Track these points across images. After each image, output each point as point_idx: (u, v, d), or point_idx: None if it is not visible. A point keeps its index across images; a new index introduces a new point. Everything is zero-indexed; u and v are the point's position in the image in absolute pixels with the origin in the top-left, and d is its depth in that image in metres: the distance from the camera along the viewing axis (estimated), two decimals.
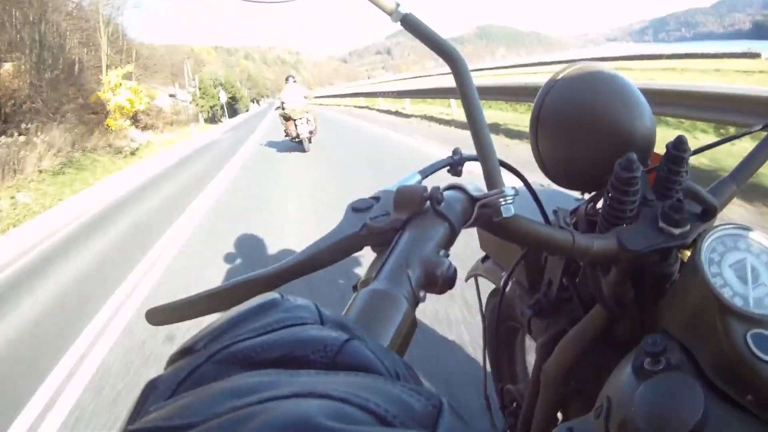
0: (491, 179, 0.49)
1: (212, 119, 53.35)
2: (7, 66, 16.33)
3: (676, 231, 0.52)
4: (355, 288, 0.42)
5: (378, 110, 18.54)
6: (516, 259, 0.77)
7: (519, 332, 1.10)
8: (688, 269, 0.51)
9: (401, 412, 0.22)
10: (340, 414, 0.20)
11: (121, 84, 23.03)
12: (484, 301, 1.11)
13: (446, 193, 0.46)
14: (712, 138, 4.60)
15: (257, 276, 0.45)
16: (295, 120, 9.13)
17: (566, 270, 0.69)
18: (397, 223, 0.44)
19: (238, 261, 4.03)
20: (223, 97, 50.64)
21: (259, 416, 0.19)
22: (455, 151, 0.66)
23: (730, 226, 0.51)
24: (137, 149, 20.64)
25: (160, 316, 0.48)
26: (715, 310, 0.47)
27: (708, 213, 0.54)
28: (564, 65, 0.66)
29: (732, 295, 0.47)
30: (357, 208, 0.48)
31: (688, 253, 0.54)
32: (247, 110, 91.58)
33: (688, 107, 4.39)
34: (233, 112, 76.13)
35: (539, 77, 10.28)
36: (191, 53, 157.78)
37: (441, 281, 0.38)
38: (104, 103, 22.34)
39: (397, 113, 15.08)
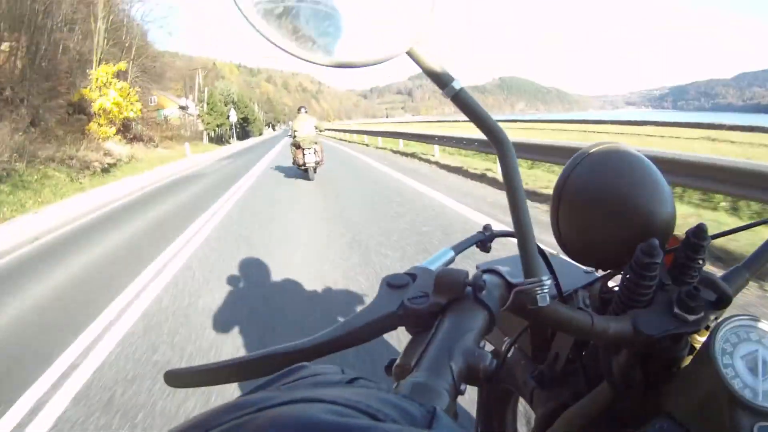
0: (529, 265, 0.50)
1: (219, 139, 49.15)
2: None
3: (691, 318, 0.52)
4: (388, 369, 0.42)
5: (401, 153, 15.67)
6: (520, 327, 0.76)
7: (512, 397, 1.03)
8: (701, 357, 0.52)
9: (397, 414, 0.23)
10: (335, 412, 0.21)
11: (111, 83, 19.34)
12: None
13: (485, 278, 0.47)
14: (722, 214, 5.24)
15: (288, 348, 0.45)
16: (303, 149, 9.68)
17: (576, 345, 0.68)
18: (436, 307, 0.44)
19: None
20: (233, 117, 46.93)
21: (259, 420, 0.21)
22: (486, 227, 0.70)
23: (745, 317, 0.52)
24: (113, 166, 16.76)
25: (179, 379, 0.49)
26: (725, 401, 0.48)
27: (722, 301, 0.54)
28: (592, 143, 0.65)
29: (742, 386, 0.48)
30: (393, 284, 0.48)
31: (698, 337, 0.55)
32: (260, 134, 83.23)
33: (704, 179, 4.47)
34: (244, 134, 65.92)
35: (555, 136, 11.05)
36: (213, 67, 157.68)
37: (483, 375, 0.38)
38: (91, 102, 18.82)
39: (428, 161, 12.32)
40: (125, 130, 22.56)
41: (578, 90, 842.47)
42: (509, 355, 0.80)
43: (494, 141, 0.49)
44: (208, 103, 43.83)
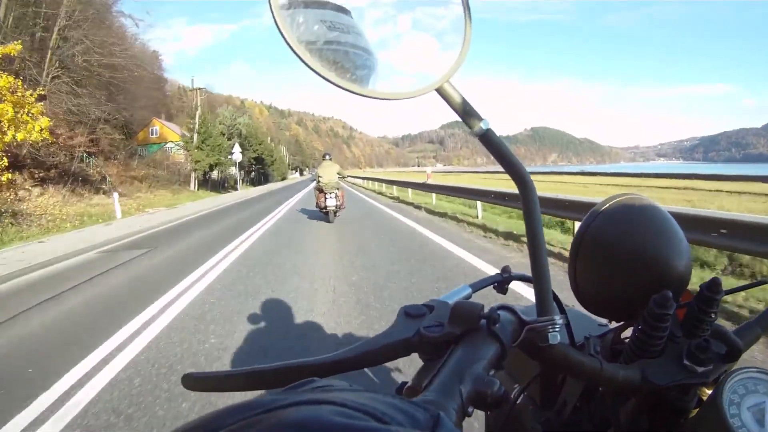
0: (543, 305, 0.51)
1: (220, 185, 36.98)
2: None
3: (700, 369, 0.53)
4: (399, 391, 0.45)
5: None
6: (532, 374, 0.76)
7: None
8: (708, 407, 0.52)
9: (402, 418, 0.24)
10: (342, 414, 0.21)
11: None
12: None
13: (499, 312, 0.48)
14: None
15: (302, 364, 0.47)
16: (326, 193, 10.40)
17: (584, 393, 0.68)
18: (450, 336, 0.45)
19: None
20: (238, 155, 34.54)
21: (266, 421, 0.21)
22: (504, 269, 0.71)
23: (753, 369, 0.53)
24: None
25: (197, 383, 0.51)
26: None
27: (732, 355, 0.55)
28: (611, 196, 0.68)
29: None
30: (410, 314, 0.50)
31: (706, 390, 0.55)
32: (282, 179, 72.05)
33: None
34: (262, 179, 56.94)
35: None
36: (240, 106, 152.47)
37: (490, 401, 0.39)
38: None
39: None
40: (33, 167, 13.43)
41: (609, 141, 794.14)
42: (518, 402, 0.79)
43: (518, 182, 0.50)
44: (199, 133, 30.54)
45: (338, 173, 10.62)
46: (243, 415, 0.22)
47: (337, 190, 10.33)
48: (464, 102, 0.46)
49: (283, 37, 0.38)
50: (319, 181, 10.45)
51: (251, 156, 36.69)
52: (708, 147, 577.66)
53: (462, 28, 0.46)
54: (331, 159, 11.03)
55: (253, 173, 54.09)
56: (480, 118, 0.47)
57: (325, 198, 10.31)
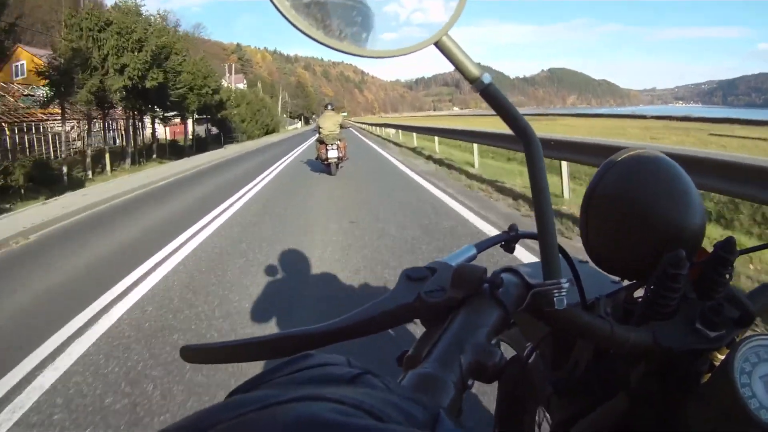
0: (549, 267, 0.49)
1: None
2: None
3: (712, 334, 0.53)
4: (399, 360, 0.44)
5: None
6: (543, 333, 0.74)
7: (530, 403, 1.01)
8: (719, 374, 0.51)
9: (399, 415, 0.24)
10: (339, 411, 0.21)
11: None
12: None
13: (503, 276, 0.48)
14: None
15: (302, 332, 0.46)
16: (327, 145, 10.24)
17: (595, 354, 0.67)
18: (452, 301, 0.45)
19: None
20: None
21: (262, 418, 0.21)
22: (512, 227, 0.67)
23: (766, 336, 0.51)
24: None
25: (195, 355, 0.50)
26: (740, 420, 0.48)
27: (745, 319, 0.55)
28: (624, 149, 0.65)
29: (758, 407, 0.47)
30: (411, 277, 0.49)
31: (718, 354, 0.54)
32: (263, 134, 47.51)
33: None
34: (217, 141, 34.94)
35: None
36: (236, 50, 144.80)
37: (491, 371, 0.38)
38: None
39: None
40: None
41: (627, 83, 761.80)
42: (530, 360, 0.79)
43: (522, 138, 0.48)
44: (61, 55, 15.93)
45: (340, 124, 10.63)
46: (237, 412, 0.22)
47: (338, 141, 10.27)
48: (464, 55, 0.44)
49: None
50: (320, 132, 10.49)
51: (154, 81, 18.80)
52: (727, 91, 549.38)
53: None
54: (333, 109, 11.18)
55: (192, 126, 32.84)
56: (481, 72, 0.45)
57: (327, 150, 10.25)
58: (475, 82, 0.45)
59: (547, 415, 0.80)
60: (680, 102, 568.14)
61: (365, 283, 3.66)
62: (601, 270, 0.67)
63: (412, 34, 0.43)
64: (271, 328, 3.01)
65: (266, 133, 50.11)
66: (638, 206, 0.59)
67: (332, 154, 10.24)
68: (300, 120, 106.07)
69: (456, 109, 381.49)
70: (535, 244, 0.52)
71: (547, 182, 0.49)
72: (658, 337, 0.53)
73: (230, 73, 58.24)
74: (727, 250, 0.56)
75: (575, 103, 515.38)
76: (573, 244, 4.20)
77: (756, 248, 0.68)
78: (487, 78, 0.45)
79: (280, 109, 72.10)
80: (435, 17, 0.43)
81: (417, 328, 0.41)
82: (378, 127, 34.22)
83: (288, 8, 0.37)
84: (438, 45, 0.43)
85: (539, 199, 0.48)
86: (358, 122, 63.26)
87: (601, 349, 0.65)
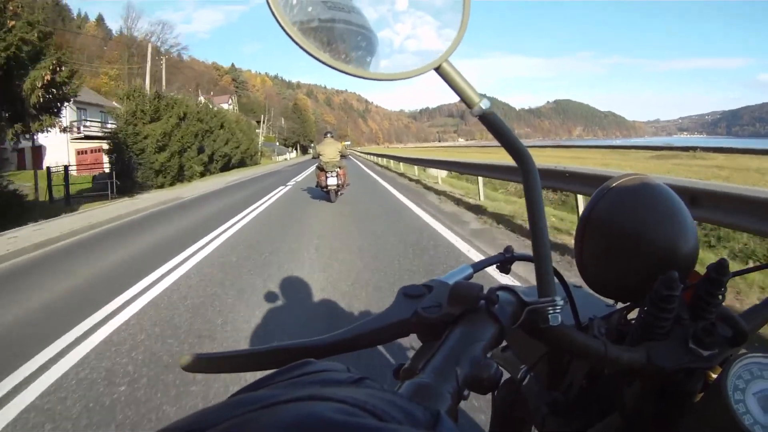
0: (544, 285, 0.50)
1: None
2: None
3: (705, 353, 0.54)
4: (396, 373, 0.44)
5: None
6: (538, 354, 0.75)
7: (525, 425, 1.00)
8: (713, 392, 0.52)
9: (401, 416, 0.24)
10: (342, 411, 0.21)
11: None
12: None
13: (499, 293, 0.48)
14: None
15: (301, 344, 0.48)
16: (327, 172, 10.38)
17: (589, 374, 0.68)
18: (448, 317, 0.46)
19: None
20: None
21: (264, 417, 0.21)
22: (507, 249, 0.69)
23: (759, 354, 0.52)
24: None
25: (196, 364, 0.51)
26: None
27: (738, 338, 0.56)
28: (619, 175, 0.67)
29: (752, 423, 0.48)
30: (408, 294, 0.50)
31: (712, 374, 0.55)
32: (236, 165, 33.22)
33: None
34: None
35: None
36: (231, 70, 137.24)
37: (487, 384, 0.39)
38: None
39: None
40: None
41: (632, 115, 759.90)
42: (525, 382, 0.79)
43: (519, 162, 0.49)
44: None
45: (340, 152, 10.79)
46: (240, 411, 0.22)
47: (338, 169, 10.42)
48: (464, 81, 0.46)
49: (275, 15, 0.37)
50: (320, 159, 10.59)
51: None
52: (731, 121, 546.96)
53: (460, 6, 0.45)
54: (333, 137, 11.44)
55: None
56: (480, 98, 0.46)
57: (326, 177, 10.37)
58: (474, 108, 0.46)
59: None
60: (684, 133, 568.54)
61: None
62: (595, 293, 0.68)
63: (413, 59, 0.45)
64: None
65: (226, 168, 32.22)
66: (632, 230, 0.61)
67: (332, 181, 10.37)
68: (294, 149, 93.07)
69: (461, 141, 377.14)
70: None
71: (543, 205, 0.50)
72: (651, 356, 0.54)
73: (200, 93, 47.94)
74: (720, 272, 0.56)
75: (581, 135, 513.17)
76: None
77: (749, 270, 0.70)
78: (486, 104, 0.46)
79: (261, 133, 59.40)
80: (435, 43, 0.45)
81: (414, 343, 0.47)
82: (389, 160, 28.27)
83: (296, 32, 0.38)
84: (438, 70, 0.44)
85: (534, 220, 0.49)
86: (364, 153, 53.93)
87: (596, 370, 0.65)
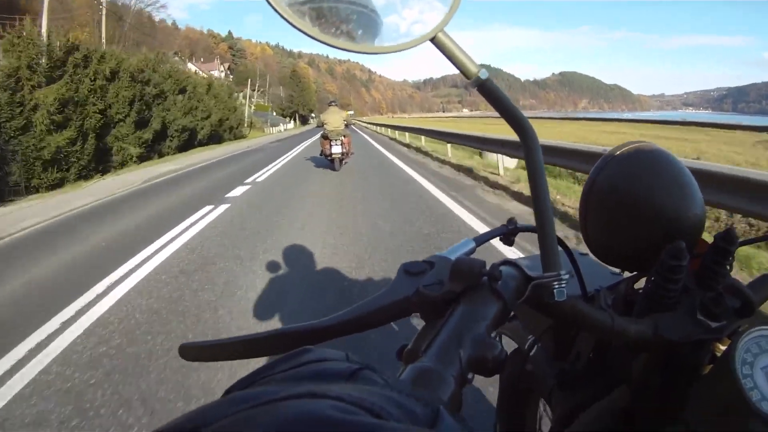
0: (548, 259, 0.49)
1: None
2: None
3: (713, 324, 0.53)
4: (399, 354, 0.43)
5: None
6: (544, 325, 0.75)
7: (532, 396, 1.02)
8: (721, 365, 0.51)
9: (400, 412, 0.24)
10: (339, 409, 0.21)
11: None
12: None
13: (501, 269, 0.48)
14: None
15: (299, 328, 0.46)
16: (331, 140, 10.33)
17: (597, 346, 0.67)
18: (450, 294, 0.45)
19: None
20: None
21: (261, 415, 0.21)
22: (510, 221, 0.67)
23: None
24: None
25: (194, 352, 0.51)
26: (742, 411, 0.47)
27: (746, 309, 0.55)
28: (624, 143, 0.66)
29: (760, 398, 0.47)
30: (409, 271, 0.49)
31: (720, 346, 0.54)
32: (203, 140, 24.03)
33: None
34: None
35: None
36: (228, 38, 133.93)
37: (491, 365, 0.38)
38: None
39: None
40: None
41: (638, 89, 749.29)
42: (532, 353, 0.78)
43: (520, 133, 0.48)
44: None
45: (344, 120, 10.68)
46: (236, 409, 0.22)
47: (343, 137, 10.35)
48: (461, 52, 0.44)
49: None
50: (324, 128, 10.55)
51: None
52: (737, 98, 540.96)
53: None
54: (336, 105, 11.32)
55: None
56: (477, 68, 0.45)
57: (330, 145, 10.34)
58: (472, 78, 0.45)
59: (548, 408, 0.79)
60: (690, 108, 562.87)
61: None
62: (601, 262, 0.67)
63: (407, 31, 0.43)
64: None
65: (190, 147, 22.18)
66: (638, 198, 0.59)
67: (336, 149, 10.34)
68: (292, 119, 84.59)
69: (465, 111, 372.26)
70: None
71: (545, 177, 0.49)
72: (659, 328, 0.53)
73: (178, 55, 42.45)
74: (728, 240, 0.56)
75: (587, 108, 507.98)
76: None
77: (756, 239, 0.69)
78: (484, 74, 0.45)
79: (249, 101, 51.61)
80: (430, 14, 0.43)
81: (419, 322, 0.45)
82: (400, 131, 24.25)
83: (284, 7, 0.37)
84: (434, 41, 0.43)
85: (537, 192, 0.48)
86: (368, 123, 50.55)
87: (603, 342, 0.65)
